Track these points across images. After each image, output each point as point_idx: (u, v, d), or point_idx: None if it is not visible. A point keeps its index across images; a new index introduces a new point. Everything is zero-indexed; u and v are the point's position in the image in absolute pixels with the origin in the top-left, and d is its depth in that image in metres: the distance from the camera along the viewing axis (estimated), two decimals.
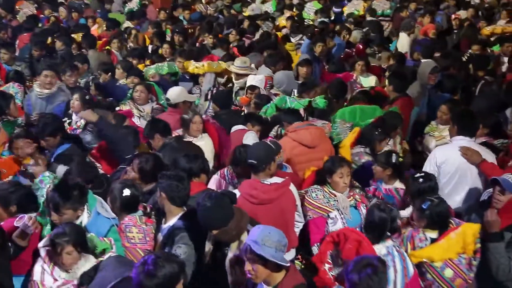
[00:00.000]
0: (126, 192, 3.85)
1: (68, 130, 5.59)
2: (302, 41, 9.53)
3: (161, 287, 2.86)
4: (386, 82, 6.81)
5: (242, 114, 6.23)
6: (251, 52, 8.85)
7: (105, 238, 3.62)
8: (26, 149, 4.82)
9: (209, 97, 7.02)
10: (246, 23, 11.37)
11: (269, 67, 7.65)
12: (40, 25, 11.46)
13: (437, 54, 8.18)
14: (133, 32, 10.40)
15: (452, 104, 5.71)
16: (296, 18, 11.92)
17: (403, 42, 10.14)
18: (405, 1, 13.16)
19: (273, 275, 3.13)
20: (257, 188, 4.04)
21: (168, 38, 10.13)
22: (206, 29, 10.58)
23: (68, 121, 5.87)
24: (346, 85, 6.83)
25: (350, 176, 4.36)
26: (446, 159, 4.60)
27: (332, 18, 12.22)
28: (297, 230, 4.30)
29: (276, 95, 6.69)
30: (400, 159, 4.62)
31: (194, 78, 7.68)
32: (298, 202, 4.23)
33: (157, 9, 13.14)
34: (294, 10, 13.14)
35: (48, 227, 3.80)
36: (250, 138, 4.93)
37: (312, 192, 4.35)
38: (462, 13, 11.81)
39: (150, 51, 9.52)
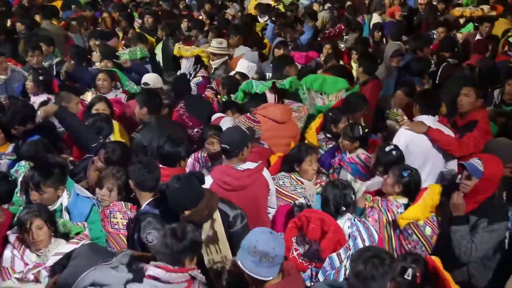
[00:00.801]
0: None
1: None
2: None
3: (186, 251, 2.98)
4: (354, 64, 6.84)
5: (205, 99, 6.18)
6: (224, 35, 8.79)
7: (78, 223, 3.61)
8: None
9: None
10: (207, 6, 11.34)
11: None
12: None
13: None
14: (105, 15, 10.17)
15: (407, 88, 5.76)
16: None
17: (375, 22, 10.24)
18: None
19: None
20: (231, 174, 4.04)
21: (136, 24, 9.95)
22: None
23: None
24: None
25: (317, 163, 4.41)
26: (411, 140, 4.65)
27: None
28: (270, 216, 4.31)
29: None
30: (366, 130, 4.72)
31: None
32: (272, 187, 4.23)
33: None
34: None
35: None
36: (227, 123, 4.91)
37: (279, 179, 4.36)
38: None
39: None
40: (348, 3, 11.86)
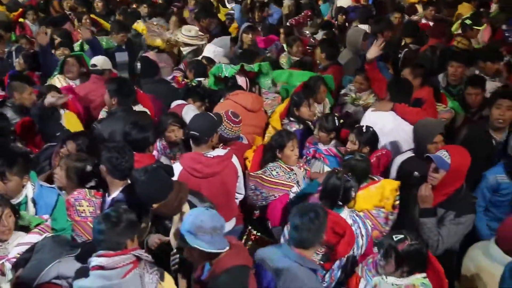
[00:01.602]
0: (89, 168, 3.84)
1: None
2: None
3: (124, 233, 2.93)
4: (318, 50, 6.82)
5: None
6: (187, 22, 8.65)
7: (40, 215, 3.54)
8: None
9: None
10: None
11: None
12: None
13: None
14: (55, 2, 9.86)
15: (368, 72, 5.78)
16: None
17: (339, 6, 10.26)
18: None
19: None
20: (201, 161, 4.00)
21: None
22: None
23: None
24: None
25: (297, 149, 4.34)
26: (378, 123, 4.65)
27: None
28: (237, 201, 4.32)
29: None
30: (341, 120, 4.71)
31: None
32: (240, 173, 4.23)
33: None
34: None
35: None
36: (191, 112, 4.82)
37: (272, 170, 4.25)
38: None
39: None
40: None
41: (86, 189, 3.83)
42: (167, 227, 3.48)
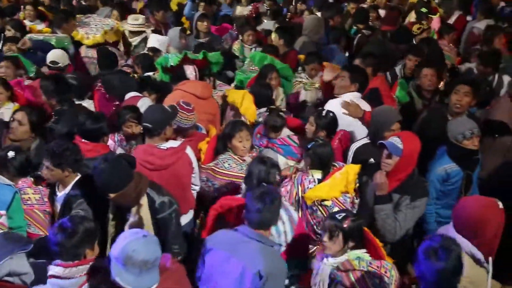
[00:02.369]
0: (11, 154, 3.79)
1: None
2: None
3: (81, 243, 2.83)
4: (274, 36, 6.85)
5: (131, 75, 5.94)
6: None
7: None
8: None
9: None
10: None
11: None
12: None
13: None
14: None
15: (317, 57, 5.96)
16: None
17: None
18: None
19: None
20: (154, 153, 3.96)
21: None
22: None
23: None
24: None
25: (250, 140, 4.32)
26: (338, 113, 4.66)
27: None
28: (194, 193, 4.30)
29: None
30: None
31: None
32: (195, 165, 4.20)
33: None
34: None
35: None
36: (146, 105, 4.70)
37: (224, 162, 4.23)
38: None
39: None
40: None
41: (32, 178, 3.79)
42: (126, 219, 3.43)
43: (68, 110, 4.67)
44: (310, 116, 4.49)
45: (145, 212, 3.41)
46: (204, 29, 7.38)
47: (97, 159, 3.41)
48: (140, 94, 5.10)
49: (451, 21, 8.44)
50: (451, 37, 7.44)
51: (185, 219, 4.12)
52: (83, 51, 6.61)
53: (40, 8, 8.34)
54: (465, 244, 3.06)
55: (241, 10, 9.41)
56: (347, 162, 4.32)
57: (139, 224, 3.39)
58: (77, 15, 7.30)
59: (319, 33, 7.23)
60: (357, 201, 3.92)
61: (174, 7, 9.53)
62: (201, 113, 4.88)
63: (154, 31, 7.35)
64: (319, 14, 8.23)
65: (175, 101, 4.50)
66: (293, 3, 9.97)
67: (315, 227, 3.81)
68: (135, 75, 5.95)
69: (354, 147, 4.40)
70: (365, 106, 4.86)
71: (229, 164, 4.24)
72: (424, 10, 8.11)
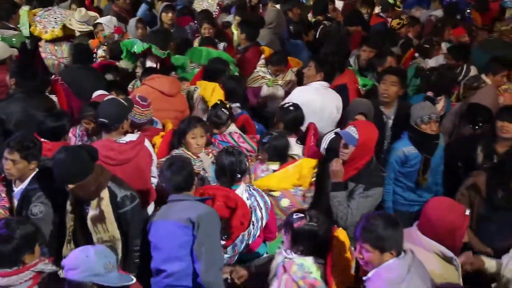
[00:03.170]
0: None
1: None
2: None
3: (19, 249, 2.78)
4: (236, 31, 6.86)
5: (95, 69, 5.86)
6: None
7: None
8: None
9: None
10: None
11: None
12: None
13: None
14: None
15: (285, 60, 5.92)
16: None
17: None
18: None
19: None
20: (114, 148, 3.94)
21: None
22: None
23: None
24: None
25: (205, 137, 4.26)
26: (306, 101, 4.74)
27: None
28: (153, 186, 4.28)
29: None
30: (228, 106, 4.65)
31: None
32: (154, 158, 4.21)
33: None
34: None
35: None
36: None
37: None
38: None
39: None
40: None
41: None
42: (85, 212, 3.42)
43: (17, 96, 4.56)
44: (278, 111, 4.52)
45: (106, 206, 3.40)
46: (168, 21, 7.30)
47: (59, 149, 3.37)
48: (107, 93, 4.95)
49: None
50: (416, 30, 7.59)
51: (148, 211, 4.12)
52: (42, 46, 6.46)
53: None
54: (433, 244, 3.12)
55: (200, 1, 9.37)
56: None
57: (100, 218, 3.39)
58: (36, 8, 7.16)
59: (282, 27, 7.29)
60: (309, 194, 3.98)
61: None
62: (169, 111, 4.90)
63: (119, 19, 7.28)
64: (278, 6, 8.27)
65: (132, 96, 4.48)
66: None
67: None
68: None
69: (327, 138, 4.43)
70: (333, 96, 4.95)
71: None
72: (391, 1, 8.22)
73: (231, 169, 3.63)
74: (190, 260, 3.30)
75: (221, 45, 6.83)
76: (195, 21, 7.71)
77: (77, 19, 6.69)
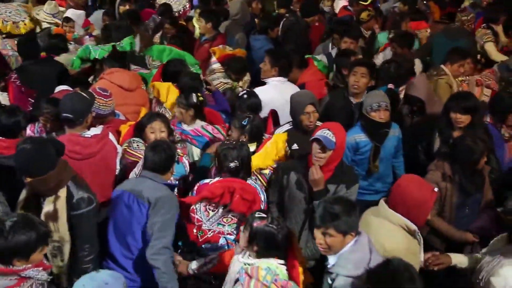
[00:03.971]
0: None
1: None
2: None
3: (9, 250, 2.73)
4: (199, 21, 6.84)
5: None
6: None
7: None
8: None
9: None
10: None
11: None
12: None
13: None
14: None
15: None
16: None
17: None
18: None
19: None
20: (79, 143, 3.88)
21: None
22: None
23: None
24: None
25: (166, 132, 4.15)
26: (267, 101, 4.76)
27: None
28: None
29: None
30: (201, 98, 4.60)
31: None
32: (119, 149, 4.18)
33: None
34: None
35: None
36: None
37: (133, 143, 4.17)
38: None
39: None
40: None
41: None
42: (40, 208, 3.29)
43: None
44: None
45: (62, 206, 3.27)
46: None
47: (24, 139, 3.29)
48: (70, 89, 4.82)
49: None
50: (379, 22, 7.76)
51: None
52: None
53: None
54: (400, 217, 3.25)
55: None
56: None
57: (54, 216, 3.26)
58: None
59: (246, 18, 7.31)
60: None
61: None
62: (129, 105, 4.85)
63: None
64: None
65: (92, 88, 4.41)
66: None
67: None
68: None
69: (278, 132, 4.45)
70: (292, 90, 4.96)
71: (137, 145, 4.15)
72: None
73: (247, 163, 3.71)
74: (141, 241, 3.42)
75: None
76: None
77: (46, 11, 6.59)
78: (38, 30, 6.54)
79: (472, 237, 3.92)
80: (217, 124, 4.69)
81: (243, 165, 3.69)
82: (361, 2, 8.22)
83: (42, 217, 3.26)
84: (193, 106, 4.49)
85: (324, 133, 3.62)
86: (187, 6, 7.74)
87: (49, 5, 6.73)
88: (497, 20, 7.20)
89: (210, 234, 3.63)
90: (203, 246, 3.67)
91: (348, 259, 2.87)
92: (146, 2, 8.47)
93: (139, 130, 4.23)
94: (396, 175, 4.64)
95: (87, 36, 6.53)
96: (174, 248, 3.52)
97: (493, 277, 3.10)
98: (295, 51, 5.82)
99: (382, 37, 6.82)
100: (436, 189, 3.32)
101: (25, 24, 6.24)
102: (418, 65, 6.10)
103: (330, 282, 2.93)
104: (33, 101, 5.10)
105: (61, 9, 7.03)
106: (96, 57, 5.39)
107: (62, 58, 5.67)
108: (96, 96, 4.28)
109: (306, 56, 5.99)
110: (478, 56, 6.61)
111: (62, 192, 3.28)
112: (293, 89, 5.06)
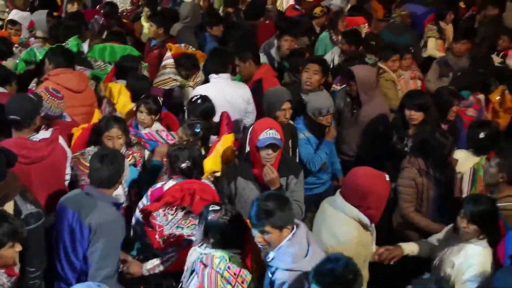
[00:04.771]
0: None
1: None
2: None
3: None
4: (150, 26, 6.77)
5: None
6: None
7: None
8: None
9: None
10: None
11: None
12: None
13: None
14: None
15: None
16: None
17: None
18: None
19: None
20: (27, 146, 3.76)
21: None
22: None
23: None
24: None
25: (123, 138, 4.11)
26: (209, 96, 4.71)
27: None
28: (66, 183, 4.14)
29: None
30: (160, 101, 4.60)
31: None
32: (69, 154, 4.10)
33: None
34: None
35: None
36: None
37: (89, 155, 4.02)
38: None
39: None
40: None
41: None
42: None
43: None
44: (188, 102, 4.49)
45: None
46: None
47: None
48: (5, 90, 4.70)
49: None
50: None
51: None
52: None
53: None
54: (353, 210, 3.29)
55: None
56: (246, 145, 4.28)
57: None
58: None
59: (197, 20, 7.28)
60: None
61: None
62: (78, 107, 4.75)
63: None
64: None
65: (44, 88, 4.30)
66: None
67: None
68: None
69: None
70: (234, 87, 5.03)
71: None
72: None
73: (199, 162, 3.68)
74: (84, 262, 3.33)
75: None
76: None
77: None
78: None
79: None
80: (173, 126, 4.67)
81: (196, 165, 3.65)
82: (308, 0, 8.34)
83: None
84: (158, 111, 4.53)
85: (271, 134, 3.64)
86: (129, 10, 7.61)
87: None
88: (444, 17, 7.44)
89: (172, 238, 3.57)
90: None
91: (286, 252, 2.91)
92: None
93: (95, 135, 4.14)
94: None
95: (32, 38, 6.33)
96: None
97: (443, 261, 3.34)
98: (237, 50, 5.79)
99: (324, 37, 6.92)
100: (387, 178, 3.38)
101: None
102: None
103: (270, 275, 2.99)
104: None
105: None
106: (41, 58, 5.26)
107: (8, 62, 5.51)
108: (49, 96, 4.18)
109: None
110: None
111: (9, 206, 3.17)
112: (234, 87, 5.09)
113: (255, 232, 2.94)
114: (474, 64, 6.01)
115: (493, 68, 6.00)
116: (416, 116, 4.56)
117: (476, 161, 4.34)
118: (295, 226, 2.99)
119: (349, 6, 8.41)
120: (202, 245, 3.14)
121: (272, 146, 3.63)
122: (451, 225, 3.54)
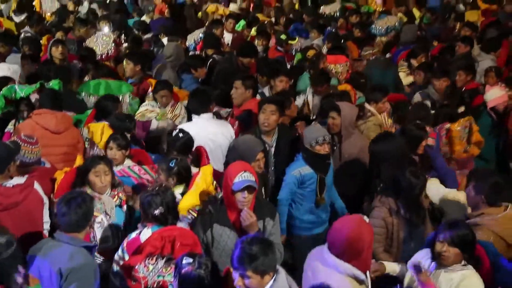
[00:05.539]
0: None
1: None
2: None
3: None
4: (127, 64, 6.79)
5: None
6: None
7: None
8: None
9: None
10: None
11: None
12: None
13: None
14: None
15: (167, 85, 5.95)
16: None
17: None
18: None
19: None
20: (0, 193, 3.72)
21: None
22: None
23: None
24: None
25: (110, 176, 4.05)
26: (194, 135, 4.71)
27: None
28: (46, 232, 4.06)
29: None
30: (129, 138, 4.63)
31: None
32: (46, 200, 4.03)
33: None
34: None
35: None
36: None
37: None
38: None
39: None
40: None
41: None
42: None
43: None
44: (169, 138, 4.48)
45: None
46: (58, 56, 7.07)
47: None
48: None
49: None
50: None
51: None
52: None
53: None
54: (346, 267, 3.16)
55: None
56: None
57: None
58: None
59: (181, 60, 7.34)
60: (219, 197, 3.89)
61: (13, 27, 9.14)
62: (56, 147, 4.72)
63: None
64: (165, 40, 8.40)
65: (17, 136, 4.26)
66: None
67: None
68: None
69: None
70: (217, 125, 5.10)
71: None
72: (283, 37, 8.55)
73: (173, 207, 3.63)
74: None
75: None
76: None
77: None
78: None
79: None
80: (146, 164, 4.63)
81: (169, 210, 3.58)
82: (290, 42, 8.46)
83: None
84: (123, 147, 4.48)
85: (246, 176, 3.57)
86: (113, 50, 7.64)
87: None
88: (416, 57, 7.65)
89: (156, 286, 3.45)
90: None
91: None
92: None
93: (82, 175, 4.05)
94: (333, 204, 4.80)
95: None
96: None
97: None
98: (225, 92, 5.85)
99: (305, 76, 7.00)
100: (367, 219, 3.35)
101: None
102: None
103: None
104: None
105: None
106: (22, 95, 5.25)
107: None
108: (22, 144, 4.13)
109: None
110: None
111: None
112: (217, 125, 5.14)
113: (236, 275, 2.88)
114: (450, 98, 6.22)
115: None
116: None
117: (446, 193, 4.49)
118: (275, 273, 2.95)
119: (325, 47, 8.56)
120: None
121: (248, 189, 3.57)
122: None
